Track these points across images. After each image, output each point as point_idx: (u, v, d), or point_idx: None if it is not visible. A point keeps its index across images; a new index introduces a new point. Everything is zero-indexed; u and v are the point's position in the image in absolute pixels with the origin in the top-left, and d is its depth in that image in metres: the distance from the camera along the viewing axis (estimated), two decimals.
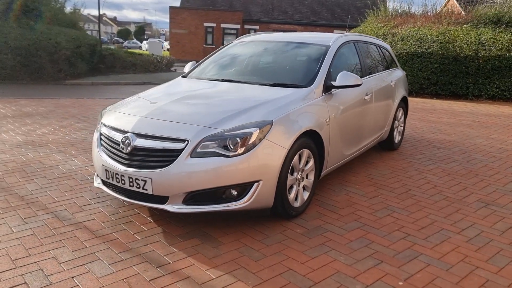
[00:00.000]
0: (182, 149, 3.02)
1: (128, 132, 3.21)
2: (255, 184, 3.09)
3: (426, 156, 5.69)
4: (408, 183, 4.52)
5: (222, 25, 33.54)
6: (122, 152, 3.21)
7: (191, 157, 3.00)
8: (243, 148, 3.04)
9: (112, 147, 3.32)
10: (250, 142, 3.06)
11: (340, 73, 3.96)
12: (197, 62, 4.99)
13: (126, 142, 3.16)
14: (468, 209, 3.86)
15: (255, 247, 3.04)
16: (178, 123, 3.19)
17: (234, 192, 3.09)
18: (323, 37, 4.67)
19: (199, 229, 3.29)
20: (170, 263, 2.81)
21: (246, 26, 33.78)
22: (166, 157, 3.05)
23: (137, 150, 3.14)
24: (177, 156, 3.01)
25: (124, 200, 3.32)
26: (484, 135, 7.10)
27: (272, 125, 3.19)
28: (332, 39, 4.50)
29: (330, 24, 33.80)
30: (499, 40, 11.49)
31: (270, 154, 3.13)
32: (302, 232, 3.30)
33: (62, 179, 4.31)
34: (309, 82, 3.89)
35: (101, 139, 3.48)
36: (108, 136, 3.38)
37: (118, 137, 3.27)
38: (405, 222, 3.55)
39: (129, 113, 3.47)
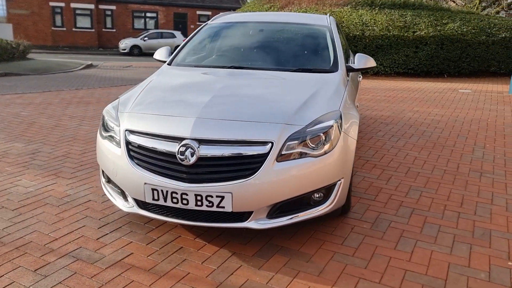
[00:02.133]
0: (267, 153, 2.51)
1: (186, 138, 2.54)
2: (338, 183, 2.76)
3: (385, 132, 5.95)
4: (402, 161, 4.65)
5: (72, 5, 30.04)
6: (181, 165, 2.53)
7: (277, 161, 2.52)
8: (327, 144, 2.68)
9: (161, 160, 2.59)
10: (332, 137, 2.71)
11: (356, 55, 3.83)
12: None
13: (188, 152, 2.49)
14: (474, 180, 4.13)
15: (346, 252, 2.74)
16: (252, 122, 2.63)
17: (319, 196, 2.72)
18: (313, 17, 4.43)
19: (270, 243, 2.83)
20: None
21: (102, 6, 30.87)
22: (247, 165, 2.50)
23: (204, 161, 2.51)
24: (262, 162, 2.50)
25: (182, 224, 2.67)
26: (408, 109, 7.76)
27: (341, 115, 2.88)
28: (325, 19, 4.31)
29: (194, 5, 33.06)
30: (379, 21, 12.67)
31: (347, 147, 2.83)
32: (369, 226, 3.11)
33: (31, 207, 3.28)
34: (333, 66, 3.65)
35: (131, 150, 2.70)
36: (148, 146, 2.63)
37: (171, 146, 2.56)
38: (441, 200, 3.62)
39: (170, 114, 2.75)
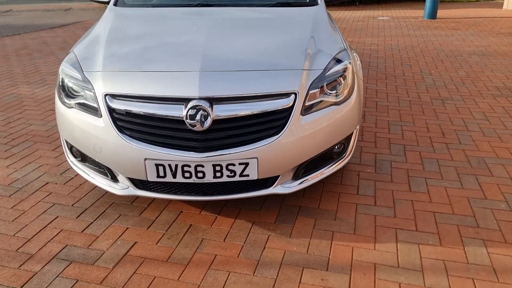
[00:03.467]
0: (292, 107, 2.15)
1: (194, 98, 2.05)
2: (354, 132, 2.52)
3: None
4: (366, 96, 4.56)
5: None
6: (192, 132, 2.07)
7: (302, 115, 2.18)
8: (346, 89, 2.39)
9: (164, 128, 2.09)
10: (350, 80, 2.42)
11: None
12: None
13: (199, 115, 2.03)
14: (440, 108, 4.19)
15: (367, 202, 2.59)
16: (267, 70, 2.21)
17: (339, 147, 2.46)
18: None
19: (285, 204, 2.56)
20: (329, 257, 2.12)
21: None
22: (270, 123, 2.12)
23: (219, 124, 2.08)
24: (287, 117, 2.14)
25: (194, 201, 2.25)
26: (358, 41, 7.66)
27: (349, 53, 2.58)
28: None
29: None
30: None
31: (360, 89, 2.57)
32: (373, 170, 2.98)
33: None
34: None
35: (118, 119, 2.14)
36: (144, 112, 2.09)
37: (175, 110, 2.06)
38: (423, 132, 3.61)
39: (164, 69, 2.20)
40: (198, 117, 2.03)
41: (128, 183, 2.25)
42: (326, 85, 2.30)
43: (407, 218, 2.43)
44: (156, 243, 2.24)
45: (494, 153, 3.21)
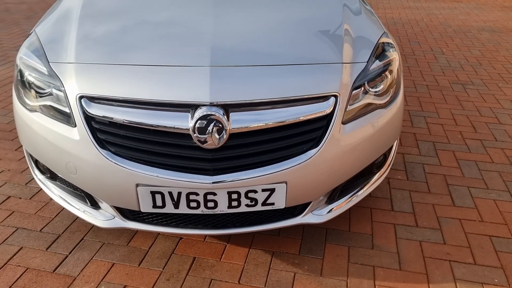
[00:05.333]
0: (331, 113, 1.62)
1: (204, 105, 1.51)
2: (396, 140, 2.03)
3: None
4: None
5: None
6: (201, 150, 1.53)
7: (343, 123, 1.66)
8: (393, 87, 1.88)
9: (163, 144, 1.55)
10: (395, 75, 1.91)
11: None
12: None
13: (211, 127, 1.49)
14: (462, 95, 3.73)
15: (406, 222, 2.13)
16: (298, 65, 1.67)
17: (379, 159, 1.96)
18: None
19: (307, 226, 2.08)
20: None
21: None
22: (304, 135, 1.60)
23: (237, 139, 1.54)
24: (325, 127, 1.62)
25: (199, 235, 1.75)
26: None
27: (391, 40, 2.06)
28: None
29: None
30: None
31: (402, 87, 2.06)
32: (405, 176, 2.51)
33: None
34: None
35: (98, 130, 1.57)
36: (135, 122, 1.53)
37: (178, 119, 1.51)
38: (451, 126, 3.16)
39: (161, 63, 1.63)
40: (209, 130, 1.49)
41: (113, 212, 1.71)
42: (369, 82, 1.78)
43: (459, 245, 1.98)
44: (152, 287, 1.74)
45: None
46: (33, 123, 1.71)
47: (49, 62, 1.72)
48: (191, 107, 1.52)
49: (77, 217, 2.11)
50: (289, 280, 1.78)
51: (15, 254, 1.89)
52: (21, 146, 2.75)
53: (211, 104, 1.51)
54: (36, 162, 1.90)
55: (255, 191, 1.58)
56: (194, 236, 2.00)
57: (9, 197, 2.27)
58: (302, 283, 1.76)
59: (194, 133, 1.50)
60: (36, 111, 1.72)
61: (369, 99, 1.76)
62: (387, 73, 1.84)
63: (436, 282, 1.78)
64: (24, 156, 2.64)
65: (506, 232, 2.08)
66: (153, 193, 1.57)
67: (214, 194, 1.56)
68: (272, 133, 1.56)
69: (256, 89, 1.55)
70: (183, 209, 1.60)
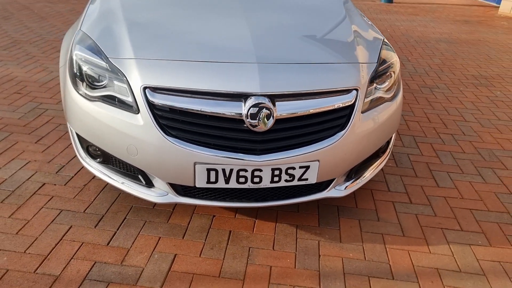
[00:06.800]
0: (353, 104, 1.97)
1: (254, 95, 1.80)
2: (396, 129, 2.41)
3: None
4: None
5: None
6: (251, 133, 1.82)
7: (362, 112, 2.02)
8: (397, 84, 2.26)
9: (218, 128, 1.82)
10: (398, 73, 2.29)
11: None
12: None
13: (262, 114, 1.79)
14: (431, 97, 4.23)
15: (402, 199, 2.51)
16: (327, 64, 2.00)
17: (384, 144, 2.34)
18: None
19: (322, 204, 2.41)
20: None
21: None
22: (333, 121, 1.94)
23: (282, 123, 1.85)
24: (349, 115, 1.96)
25: (243, 207, 2.04)
26: None
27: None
28: None
29: None
30: None
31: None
32: (394, 164, 2.91)
33: None
34: None
35: (161, 117, 1.83)
36: (195, 109, 1.80)
37: (232, 107, 1.80)
38: (426, 123, 3.62)
39: (214, 59, 1.90)
40: (260, 115, 1.79)
41: (167, 188, 1.96)
42: (378, 79, 2.15)
43: (448, 217, 2.39)
44: (200, 255, 1.99)
45: (499, 144, 3.29)
46: (94, 111, 1.92)
47: (108, 58, 1.95)
48: (243, 97, 1.81)
49: (115, 199, 2.32)
50: (315, 246, 2.10)
51: (67, 231, 2.08)
52: (41, 138, 2.90)
53: (261, 94, 1.81)
54: (87, 148, 2.10)
55: (294, 168, 1.89)
56: (230, 212, 2.27)
57: (44, 184, 2.44)
58: (326, 248, 2.09)
59: (247, 118, 1.79)
60: (96, 100, 1.94)
61: (379, 93, 2.12)
62: (391, 72, 2.21)
63: (433, 245, 2.16)
64: (46, 147, 2.79)
65: (482, 206, 2.51)
66: (208, 170, 1.83)
67: (260, 170, 1.85)
68: (308, 119, 1.88)
69: (295, 82, 1.87)
70: (233, 184, 1.88)
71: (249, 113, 1.78)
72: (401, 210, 2.42)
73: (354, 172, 2.17)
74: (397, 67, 2.27)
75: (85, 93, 1.97)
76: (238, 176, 1.86)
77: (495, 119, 3.77)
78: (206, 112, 1.80)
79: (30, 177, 2.48)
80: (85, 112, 1.96)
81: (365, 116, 2.02)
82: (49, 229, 2.09)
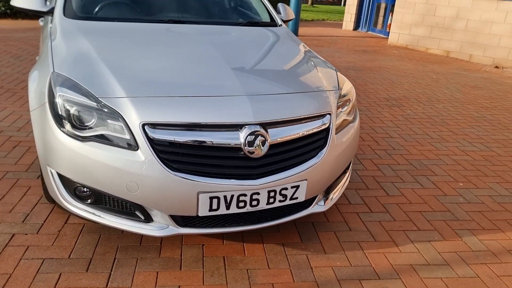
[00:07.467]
0: (329, 126, 2.22)
1: (249, 124, 1.95)
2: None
3: None
4: None
5: None
6: (247, 159, 1.96)
7: (335, 134, 2.28)
8: (354, 108, 2.58)
9: (218, 158, 1.93)
10: (354, 98, 2.61)
11: (280, 5, 3.65)
12: None
13: (258, 141, 1.94)
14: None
15: (363, 210, 2.81)
16: (302, 93, 2.23)
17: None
18: None
19: (294, 222, 2.60)
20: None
21: None
22: (314, 143, 2.16)
23: (274, 148, 2.02)
24: (326, 137, 2.21)
25: (237, 232, 2.13)
26: None
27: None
28: None
29: None
30: None
31: None
32: None
33: None
34: (270, 17, 3.38)
35: (163, 152, 1.88)
36: (195, 142, 1.89)
37: (229, 137, 1.93)
38: (361, 142, 4.04)
39: (207, 94, 2.01)
40: (256, 142, 1.94)
41: (167, 221, 2.00)
42: (340, 104, 2.44)
43: (404, 220, 2.72)
44: (203, 283, 2.04)
45: (423, 155, 3.81)
46: (88, 151, 1.91)
47: (97, 98, 1.96)
48: (239, 127, 1.96)
49: (97, 241, 2.27)
50: (305, 260, 2.26)
51: (58, 279, 1.99)
52: None
53: (255, 123, 1.97)
54: (74, 191, 2.05)
55: (286, 188, 2.06)
56: (208, 236, 2.34)
57: (14, 234, 2.28)
58: (315, 261, 2.27)
59: (245, 146, 1.93)
60: (89, 140, 1.93)
61: (343, 116, 2.41)
62: (350, 97, 2.52)
63: (401, 245, 2.46)
64: (3, 197, 2.61)
65: (428, 208, 2.90)
66: (211, 198, 1.93)
67: (258, 193, 2.00)
68: (295, 143, 2.09)
69: (282, 111, 2.07)
70: (233, 209, 1.99)
71: (246, 141, 1.93)
72: (365, 219, 2.71)
73: (329, 189, 2.40)
74: (353, 92, 2.59)
75: (74, 134, 1.95)
76: (238, 201, 1.98)
77: (414, 133, 4.34)
78: (205, 143, 1.91)
79: None
80: (76, 153, 1.94)
81: (337, 136, 2.29)
82: (37, 279, 1.98)
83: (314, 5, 27.67)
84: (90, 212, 2.06)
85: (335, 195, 2.45)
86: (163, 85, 2.07)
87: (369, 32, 12.60)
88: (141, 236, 2.34)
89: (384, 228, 2.62)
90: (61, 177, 2.06)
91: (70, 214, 2.33)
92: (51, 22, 2.87)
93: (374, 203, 2.91)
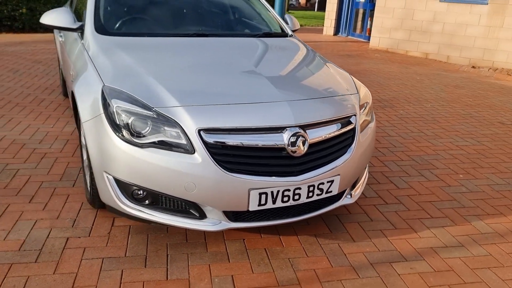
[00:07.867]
0: (355, 126, 2.48)
1: (290, 126, 2.19)
2: None
3: None
4: None
5: None
6: (290, 158, 2.20)
7: (360, 132, 2.54)
8: (371, 109, 2.86)
9: (264, 157, 2.16)
10: (371, 100, 2.88)
11: (286, 16, 3.92)
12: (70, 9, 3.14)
13: (299, 141, 2.18)
14: None
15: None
16: (332, 97, 2.53)
17: None
18: None
19: (329, 215, 2.85)
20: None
21: None
22: (344, 142, 2.42)
23: (312, 147, 2.27)
24: (353, 135, 2.47)
25: (281, 224, 2.37)
26: None
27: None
28: None
29: None
30: None
31: None
32: None
33: None
34: (282, 29, 3.64)
35: (217, 154, 2.10)
36: (245, 144, 2.12)
37: (274, 138, 2.16)
38: None
39: (252, 101, 2.24)
40: (298, 143, 2.18)
41: (220, 217, 2.21)
42: (360, 106, 2.71)
43: (418, 209, 3.01)
44: (252, 272, 2.26)
45: (423, 151, 4.12)
46: (147, 157, 2.11)
47: (152, 108, 2.16)
48: (281, 129, 2.19)
49: (146, 240, 2.45)
50: (337, 248, 2.51)
51: (121, 275, 2.17)
52: (32, 198, 2.84)
53: (295, 125, 2.21)
54: (132, 193, 2.23)
55: (323, 183, 2.30)
56: (247, 231, 2.56)
57: (68, 238, 2.45)
58: (347, 248, 2.51)
59: (288, 146, 2.17)
60: (148, 146, 2.12)
61: (363, 117, 2.67)
62: (367, 100, 2.79)
63: (419, 231, 2.73)
64: (45, 205, 2.75)
65: (436, 198, 3.20)
66: (260, 194, 2.15)
67: (300, 188, 2.23)
68: (329, 142, 2.35)
69: (317, 113, 2.33)
70: (278, 203, 2.22)
71: (289, 142, 2.17)
72: (383, 210, 2.97)
73: (355, 183, 2.66)
74: (369, 95, 2.87)
75: (134, 141, 2.14)
76: (283, 196, 2.21)
77: (410, 132, 4.66)
78: (254, 145, 2.14)
79: (48, 235, 2.46)
80: (136, 158, 2.13)
81: (362, 134, 2.55)
82: (102, 276, 2.15)
83: (289, 11, 28.21)
84: (146, 213, 2.25)
85: (359, 189, 2.70)
86: (210, 94, 2.29)
87: (349, 37, 13.05)
88: (186, 234, 2.53)
89: (400, 217, 2.89)
90: (117, 182, 2.24)
91: (119, 216, 2.52)
92: (81, 37, 3.04)
93: (387, 195, 3.18)
